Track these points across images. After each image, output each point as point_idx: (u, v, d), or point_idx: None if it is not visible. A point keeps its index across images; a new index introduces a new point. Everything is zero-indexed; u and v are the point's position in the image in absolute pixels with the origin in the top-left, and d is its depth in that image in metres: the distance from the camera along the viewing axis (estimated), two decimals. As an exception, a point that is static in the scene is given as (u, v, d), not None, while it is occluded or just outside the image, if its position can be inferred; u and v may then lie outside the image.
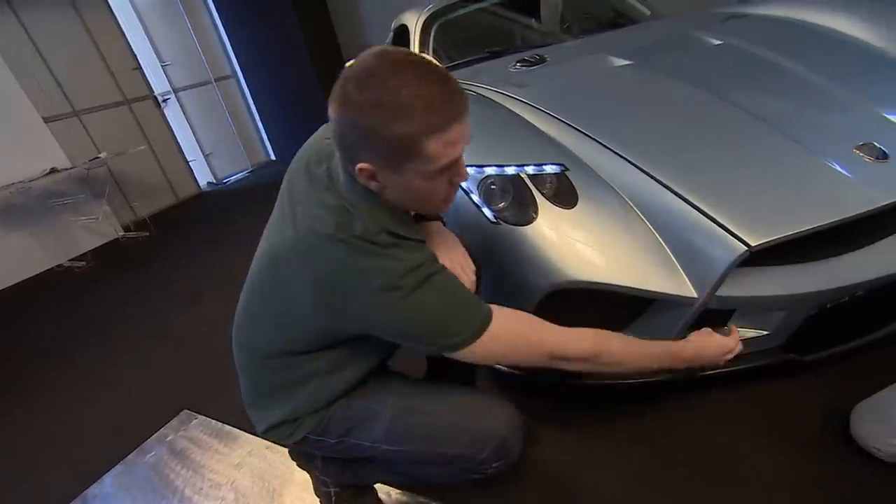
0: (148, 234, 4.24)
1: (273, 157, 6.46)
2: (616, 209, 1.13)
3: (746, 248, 0.98)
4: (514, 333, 0.81)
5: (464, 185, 1.20)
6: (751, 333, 1.14)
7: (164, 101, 5.21)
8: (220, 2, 5.64)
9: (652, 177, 1.13)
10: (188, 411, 1.74)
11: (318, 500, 1.18)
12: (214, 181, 5.81)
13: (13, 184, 3.57)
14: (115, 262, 3.83)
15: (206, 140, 5.76)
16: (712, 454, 1.11)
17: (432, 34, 2.46)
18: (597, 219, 1.12)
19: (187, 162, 5.41)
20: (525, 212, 1.15)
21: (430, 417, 0.91)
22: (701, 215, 1.05)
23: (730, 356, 0.95)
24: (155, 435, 1.66)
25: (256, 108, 6.22)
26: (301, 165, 0.87)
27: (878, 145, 1.10)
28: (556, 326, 0.84)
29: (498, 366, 1.31)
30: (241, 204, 4.75)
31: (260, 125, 6.34)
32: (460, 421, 0.90)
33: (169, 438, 1.64)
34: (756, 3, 1.94)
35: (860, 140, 1.11)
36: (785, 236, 0.99)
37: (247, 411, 0.98)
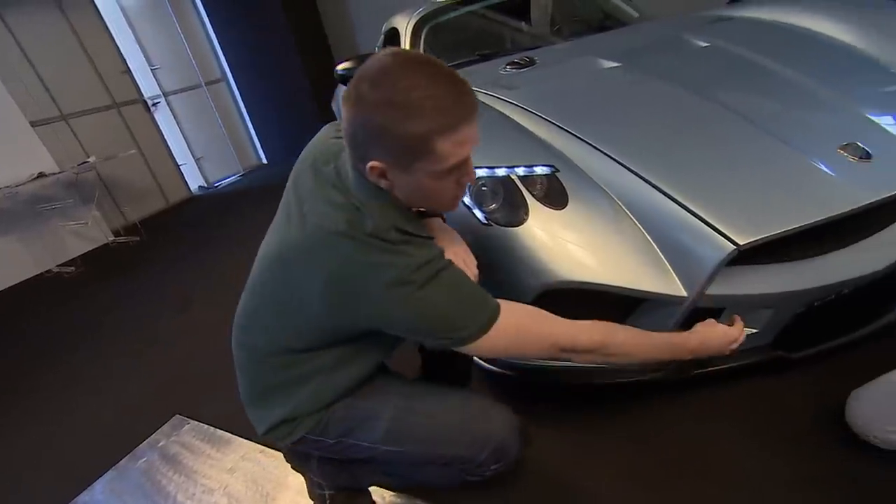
0: (138, 238, 4.21)
1: (264, 161, 6.44)
2: (606, 209, 1.14)
3: (735, 246, 1.00)
4: (521, 326, 0.83)
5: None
6: (740, 331, 1.15)
7: (154, 104, 5.18)
8: (209, 4, 5.61)
9: (641, 177, 1.15)
10: (180, 416, 1.73)
11: (311, 503, 1.18)
12: (206, 185, 5.78)
13: (0, 189, 3.53)
14: (105, 267, 3.79)
15: (197, 144, 5.72)
16: (705, 452, 1.12)
17: (423, 37, 2.47)
18: (587, 219, 1.13)
19: (178, 166, 5.38)
20: (516, 213, 1.15)
21: (431, 419, 0.91)
22: (690, 215, 1.06)
23: (735, 346, 0.94)
24: (146, 440, 1.65)
25: (247, 112, 6.20)
26: (307, 164, 0.87)
27: (862, 145, 1.12)
28: (563, 319, 0.85)
29: (491, 367, 1.32)
30: (233, 208, 4.73)
31: (251, 128, 6.32)
32: (460, 422, 0.90)
33: (161, 444, 1.62)
34: (743, 6, 1.97)
35: (844, 140, 1.13)
36: (772, 235, 1.01)
37: (246, 412, 0.98)
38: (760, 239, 1.00)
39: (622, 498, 1.07)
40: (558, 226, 1.13)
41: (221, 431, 1.60)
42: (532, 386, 1.37)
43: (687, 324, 1.01)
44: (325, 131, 0.97)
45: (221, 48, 5.86)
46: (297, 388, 0.90)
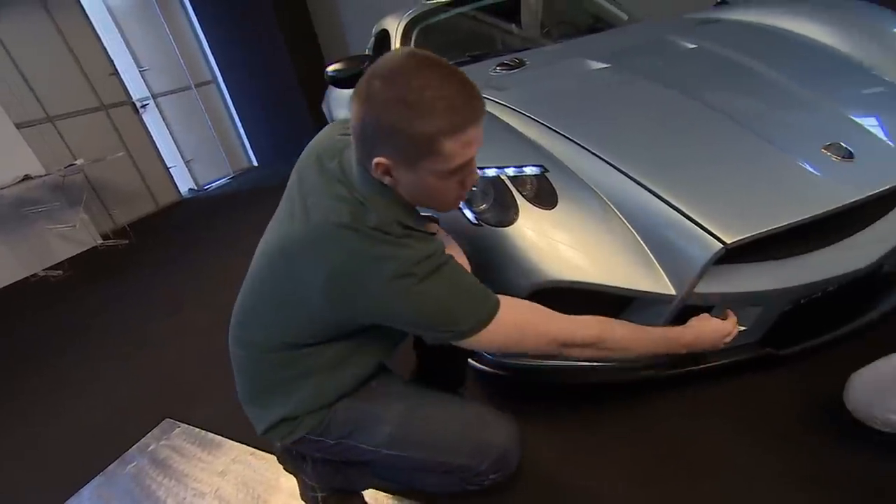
0: (127, 241, 4.17)
1: (255, 163, 6.39)
2: (595, 209, 1.15)
3: (722, 245, 1.01)
4: (520, 321, 0.83)
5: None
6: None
7: (143, 106, 5.14)
8: (198, 5, 5.58)
9: (630, 177, 1.16)
10: (170, 420, 1.71)
11: (304, 505, 1.17)
12: (195, 188, 5.74)
13: (-16, 191, 3.49)
14: (94, 270, 3.75)
15: (187, 146, 5.68)
16: (698, 448, 1.13)
17: (413, 39, 2.47)
18: (576, 219, 1.14)
19: (167, 168, 5.34)
20: (506, 213, 1.16)
21: (434, 426, 0.92)
22: (678, 214, 1.08)
23: (728, 339, 0.97)
24: (136, 444, 1.63)
25: (237, 114, 6.17)
26: (312, 160, 0.87)
27: (845, 145, 1.14)
28: (561, 314, 0.86)
29: (483, 367, 1.32)
30: (223, 210, 4.70)
31: (241, 131, 6.28)
32: (464, 430, 0.91)
33: (150, 448, 1.61)
34: (729, 9, 1.99)
35: (828, 140, 1.15)
36: (759, 233, 1.02)
37: (244, 410, 0.97)
38: (747, 237, 1.02)
39: (618, 495, 1.08)
40: (548, 226, 1.14)
41: (212, 434, 1.58)
42: (524, 385, 1.38)
43: (677, 321, 1.02)
44: (331, 128, 0.97)
45: (211, 49, 5.83)
46: (298, 386, 0.89)
